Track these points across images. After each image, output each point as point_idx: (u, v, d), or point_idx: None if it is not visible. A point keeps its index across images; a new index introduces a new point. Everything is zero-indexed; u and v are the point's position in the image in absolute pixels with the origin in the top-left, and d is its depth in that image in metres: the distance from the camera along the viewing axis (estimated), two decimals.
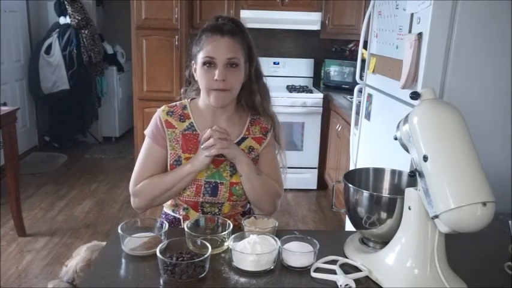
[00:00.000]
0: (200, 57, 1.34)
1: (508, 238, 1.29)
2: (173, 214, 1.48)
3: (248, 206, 1.53)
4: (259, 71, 1.46)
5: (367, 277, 1.07)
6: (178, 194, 1.41)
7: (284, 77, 4.38)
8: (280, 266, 1.11)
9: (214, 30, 1.34)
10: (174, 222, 1.47)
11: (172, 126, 1.41)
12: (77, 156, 4.91)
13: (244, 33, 1.39)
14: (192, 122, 1.43)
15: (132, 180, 1.42)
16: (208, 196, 1.40)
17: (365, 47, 2.37)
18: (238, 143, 1.43)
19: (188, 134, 1.41)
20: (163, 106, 1.46)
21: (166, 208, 1.51)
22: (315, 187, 4.14)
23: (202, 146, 1.34)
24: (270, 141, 1.49)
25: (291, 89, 4.12)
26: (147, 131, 1.44)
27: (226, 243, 1.17)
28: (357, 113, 2.58)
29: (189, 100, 1.47)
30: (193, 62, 1.41)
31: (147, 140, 1.44)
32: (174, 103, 1.47)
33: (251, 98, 1.46)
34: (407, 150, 1.06)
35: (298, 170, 4.02)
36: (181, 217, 1.46)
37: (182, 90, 1.53)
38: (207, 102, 1.39)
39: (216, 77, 1.31)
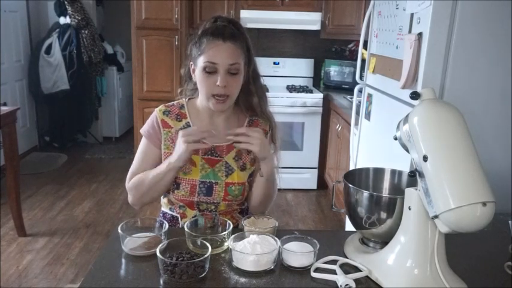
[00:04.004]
0: (201, 61, 1.33)
1: (508, 238, 1.29)
2: (170, 212, 1.49)
3: (246, 204, 1.53)
4: (257, 72, 1.45)
5: (367, 277, 1.07)
6: (169, 191, 1.41)
7: (284, 77, 4.38)
8: (280, 266, 1.11)
9: (216, 34, 1.32)
10: (173, 221, 1.47)
11: (169, 126, 1.41)
12: (77, 156, 4.91)
13: (244, 36, 1.38)
14: (188, 122, 1.43)
15: (127, 178, 1.44)
16: (203, 196, 1.40)
17: (365, 47, 2.37)
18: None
19: None
20: (161, 106, 1.46)
21: (164, 207, 1.52)
22: (315, 187, 4.14)
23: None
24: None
25: (291, 89, 4.12)
26: (143, 130, 1.44)
27: (226, 243, 1.17)
28: (357, 113, 2.58)
29: (186, 100, 1.47)
30: (191, 62, 1.40)
31: (143, 139, 1.45)
32: (172, 102, 1.47)
33: (248, 99, 1.45)
34: (407, 150, 1.06)
35: (298, 170, 4.02)
36: (178, 215, 1.46)
37: (179, 91, 1.53)
38: (205, 104, 1.38)
39: (218, 83, 1.30)
